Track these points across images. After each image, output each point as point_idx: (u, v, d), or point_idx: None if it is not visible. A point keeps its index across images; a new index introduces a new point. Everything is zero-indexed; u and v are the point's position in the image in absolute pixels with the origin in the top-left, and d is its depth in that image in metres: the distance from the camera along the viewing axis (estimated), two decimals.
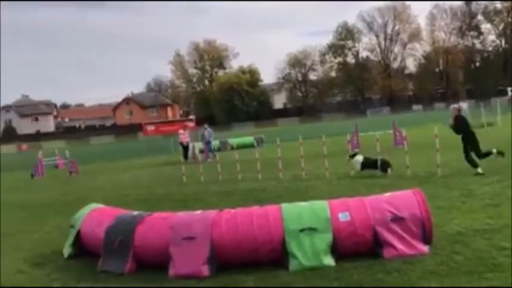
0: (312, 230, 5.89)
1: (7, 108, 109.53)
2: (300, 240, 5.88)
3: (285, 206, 6.27)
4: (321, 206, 6.19)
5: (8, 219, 11.99)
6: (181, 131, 25.99)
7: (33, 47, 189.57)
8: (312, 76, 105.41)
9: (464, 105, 11.94)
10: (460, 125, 11.97)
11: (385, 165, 13.02)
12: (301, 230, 5.89)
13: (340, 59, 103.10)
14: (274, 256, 6.00)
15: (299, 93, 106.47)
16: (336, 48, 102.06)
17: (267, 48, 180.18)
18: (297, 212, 6.09)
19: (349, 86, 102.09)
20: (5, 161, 38.69)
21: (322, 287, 5.32)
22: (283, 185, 13.05)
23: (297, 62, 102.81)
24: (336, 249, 5.95)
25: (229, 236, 5.99)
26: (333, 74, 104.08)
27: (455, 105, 12.71)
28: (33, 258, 7.75)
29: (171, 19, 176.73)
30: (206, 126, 25.83)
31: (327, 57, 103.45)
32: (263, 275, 5.78)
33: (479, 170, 11.46)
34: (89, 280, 6.29)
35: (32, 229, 10.27)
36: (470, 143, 11.78)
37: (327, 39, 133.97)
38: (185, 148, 25.48)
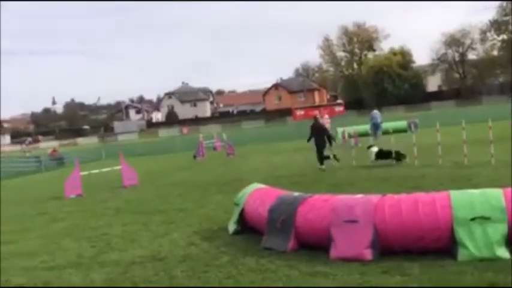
0: (485, 219, 5.53)
1: (170, 94, 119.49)
2: (471, 229, 5.55)
3: (454, 193, 5.95)
4: (495, 194, 5.76)
5: (177, 196, 13.18)
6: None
7: (192, 39, 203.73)
8: (471, 56, 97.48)
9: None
10: (311, 132, 15.89)
11: (399, 156, 14.68)
12: (472, 219, 5.56)
13: (503, 36, 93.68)
14: (440, 245, 5.76)
15: (456, 75, 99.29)
16: (499, 25, 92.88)
17: (420, 28, 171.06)
18: (467, 200, 5.75)
19: None
20: (170, 144, 42.26)
21: (496, 285, 4.95)
22: (443, 172, 12.38)
23: (453, 41, 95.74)
24: (511, 241, 5.52)
25: (393, 222, 5.88)
26: (495, 53, 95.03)
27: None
28: (201, 232, 8.42)
29: (320, 4, 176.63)
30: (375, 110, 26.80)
31: (489, 34, 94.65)
32: (429, 263, 5.58)
33: (323, 166, 15.46)
34: (254, 255, 6.64)
35: (198, 206, 11.15)
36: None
37: (489, 15, 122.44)
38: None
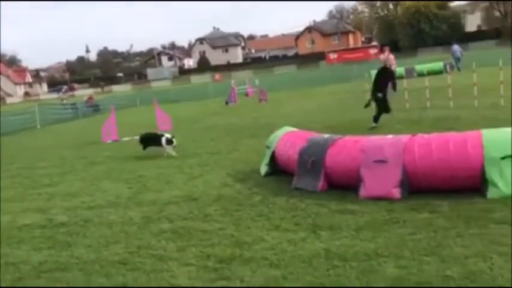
0: None
1: (201, 40, 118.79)
2: (502, 168, 5.54)
3: (486, 132, 5.90)
4: None
5: (210, 140, 13.42)
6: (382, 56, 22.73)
7: None
8: None
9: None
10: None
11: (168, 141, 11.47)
12: (503, 158, 5.53)
13: None
14: (470, 184, 5.77)
15: (497, 13, 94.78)
16: None
17: None
18: (498, 139, 5.70)
19: None
20: (202, 90, 42.41)
21: None
22: (478, 113, 12.15)
23: None
24: None
25: (423, 162, 5.90)
26: None
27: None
28: (235, 174, 8.64)
29: None
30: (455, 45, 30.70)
31: None
32: (458, 201, 5.63)
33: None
34: (285, 195, 6.83)
35: (231, 149, 11.36)
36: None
37: None
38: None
